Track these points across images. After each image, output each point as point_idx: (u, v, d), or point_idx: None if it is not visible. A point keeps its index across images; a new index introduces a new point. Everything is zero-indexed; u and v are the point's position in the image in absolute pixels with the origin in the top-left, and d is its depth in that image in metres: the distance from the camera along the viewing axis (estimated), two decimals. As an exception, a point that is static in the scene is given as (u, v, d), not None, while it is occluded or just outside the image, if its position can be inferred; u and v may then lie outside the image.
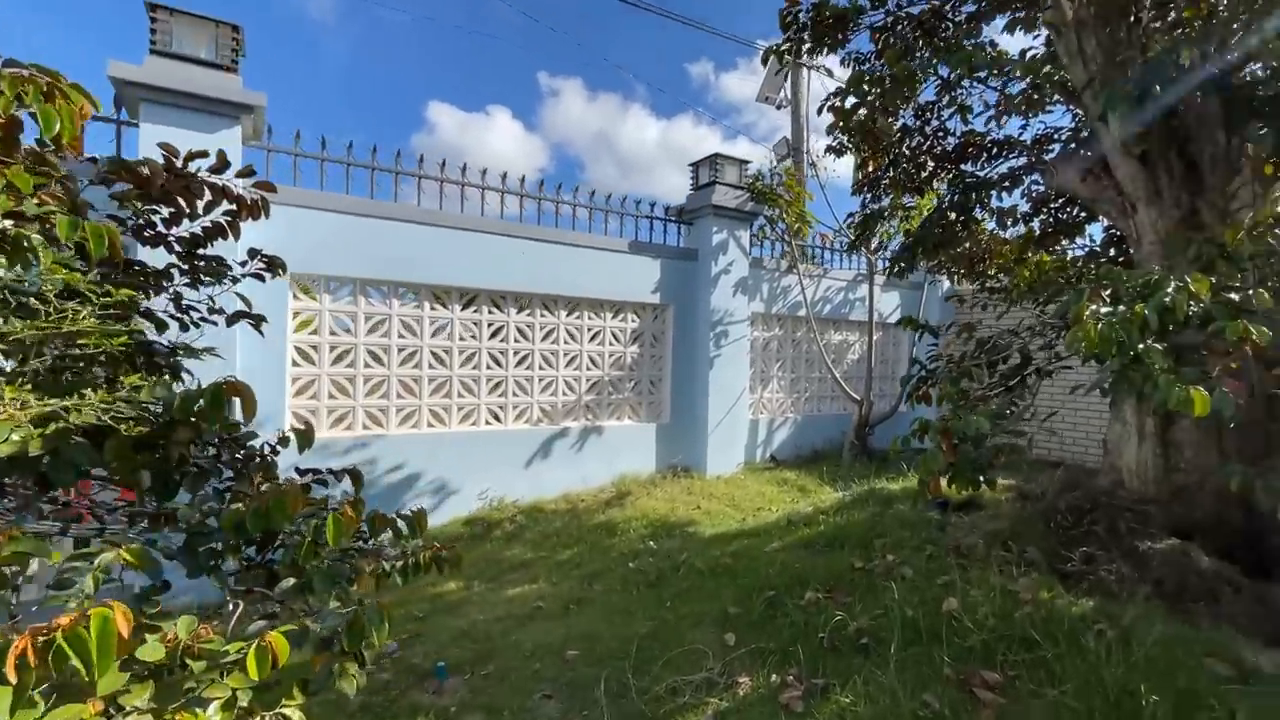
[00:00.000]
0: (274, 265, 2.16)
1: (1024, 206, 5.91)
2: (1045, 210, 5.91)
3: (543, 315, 6.55)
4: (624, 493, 6.40)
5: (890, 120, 5.04)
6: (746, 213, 7.45)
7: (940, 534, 4.09)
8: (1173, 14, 4.10)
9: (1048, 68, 4.35)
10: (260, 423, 2.00)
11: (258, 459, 1.76)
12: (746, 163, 7.59)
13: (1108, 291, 2.96)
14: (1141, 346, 2.45)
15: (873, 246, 7.36)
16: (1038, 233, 6.03)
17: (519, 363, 6.41)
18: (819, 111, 5.04)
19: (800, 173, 9.19)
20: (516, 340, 6.39)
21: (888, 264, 9.77)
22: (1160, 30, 4.18)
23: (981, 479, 2.94)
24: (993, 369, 3.86)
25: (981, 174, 5.26)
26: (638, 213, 7.19)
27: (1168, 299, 2.50)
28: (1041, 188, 5.61)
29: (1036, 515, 3.89)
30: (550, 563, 4.82)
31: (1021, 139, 5.48)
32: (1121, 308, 2.57)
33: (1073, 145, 5.14)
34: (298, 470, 1.87)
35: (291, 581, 1.46)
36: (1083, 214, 5.73)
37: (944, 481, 2.90)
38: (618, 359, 7.01)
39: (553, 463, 6.43)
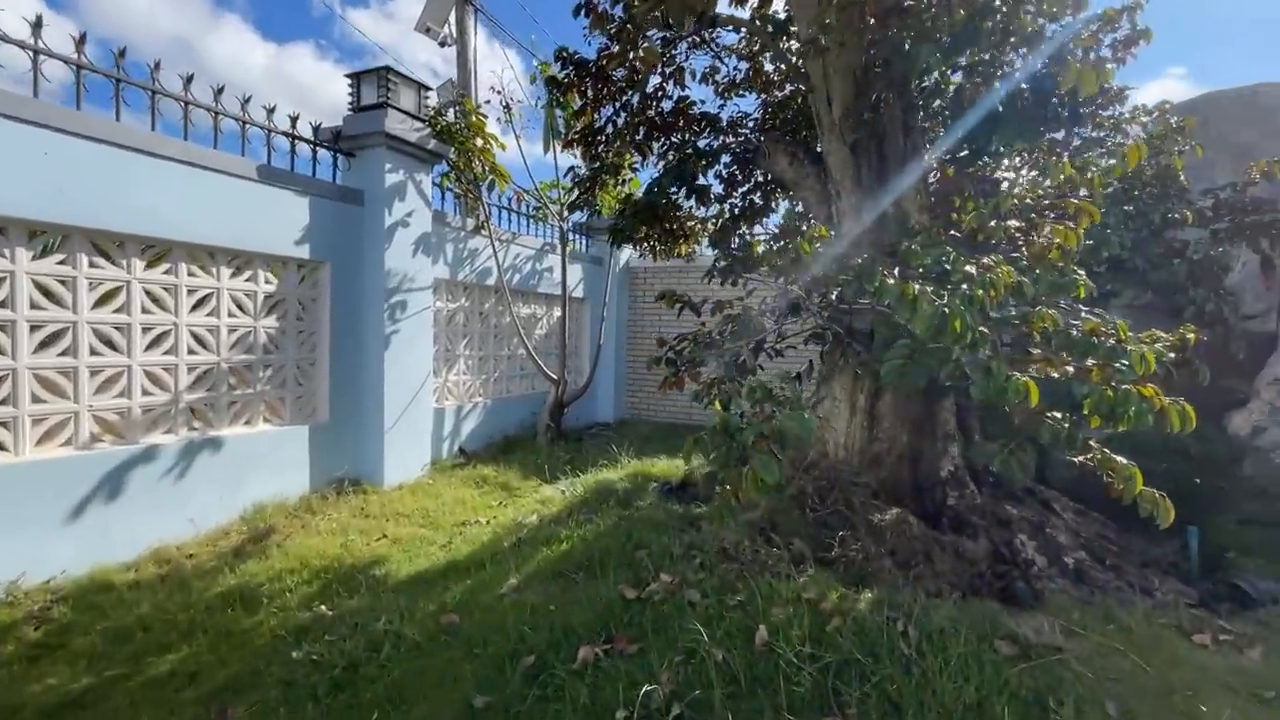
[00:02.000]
0: None
1: (718, 187, 6.03)
2: (734, 193, 6.15)
3: (94, 265, 3.97)
4: (264, 532, 4.42)
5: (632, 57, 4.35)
6: (430, 152, 5.95)
7: (697, 533, 3.68)
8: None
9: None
10: None
11: None
12: (427, 89, 6.05)
13: (895, 269, 2.85)
14: (981, 331, 2.27)
15: (594, 208, 6.71)
16: (727, 215, 6.26)
17: (42, 345, 3.76)
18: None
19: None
20: (35, 307, 3.72)
21: (582, 232, 9.40)
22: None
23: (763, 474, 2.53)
24: (757, 351, 3.57)
25: (704, 146, 5.04)
26: (269, 125, 5.00)
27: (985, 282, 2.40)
28: (735, 170, 5.76)
29: (789, 500, 3.79)
30: (135, 687, 2.81)
31: (744, 115, 5.47)
32: (960, 289, 2.37)
33: (776, 127, 5.34)
34: None
35: None
36: (761, 200, 6.13)
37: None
38: (243, 337, 4.81)
39: (129, 504, 4.01)
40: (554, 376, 7.43)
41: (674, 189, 4.66)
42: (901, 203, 4.36)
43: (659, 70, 4.88)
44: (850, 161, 4.22)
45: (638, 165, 5.16)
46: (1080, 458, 2.57)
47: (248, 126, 4.82)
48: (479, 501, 5.36)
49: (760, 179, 5.92)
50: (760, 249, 6.29)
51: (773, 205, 6.13)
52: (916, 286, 2.37)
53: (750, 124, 5.55)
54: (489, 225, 6.93)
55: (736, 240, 6.24)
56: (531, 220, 8.26)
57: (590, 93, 4.72)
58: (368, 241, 5.58)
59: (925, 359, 2.58)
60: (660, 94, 5.04)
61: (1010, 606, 3.10)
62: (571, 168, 5.63)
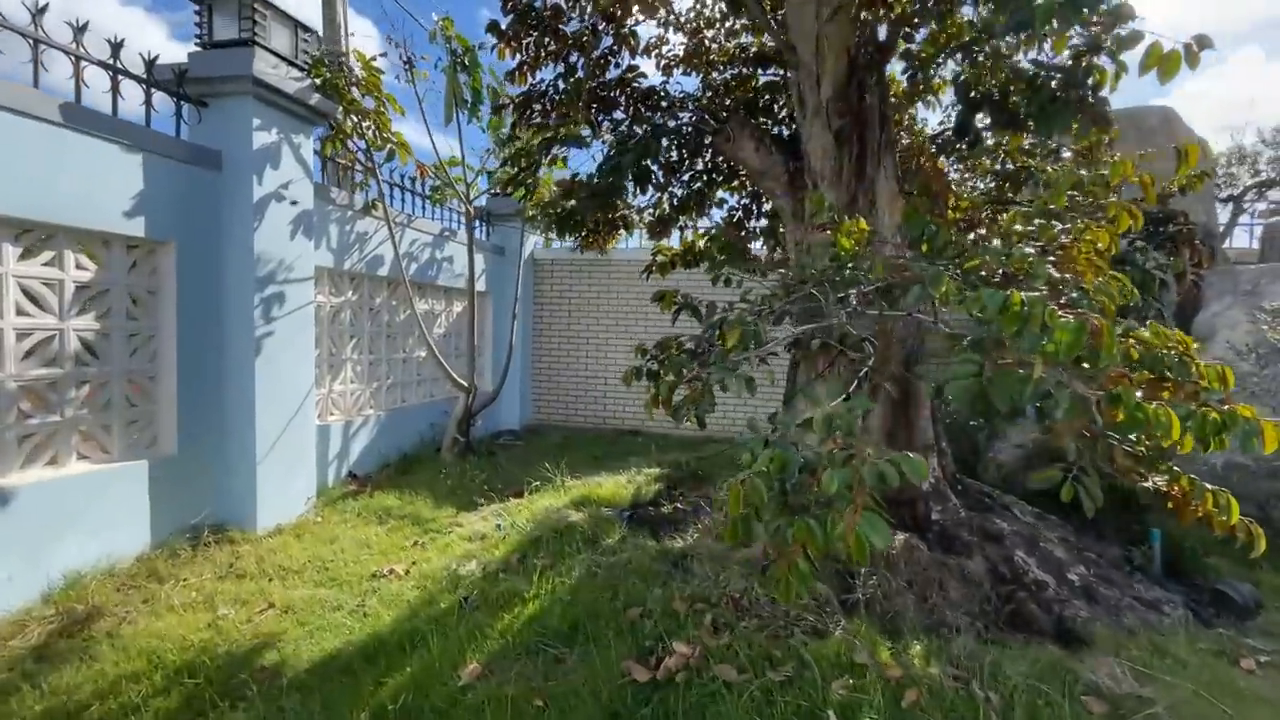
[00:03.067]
0: None
1: (658, 173, 5.46)
2: (674, 180, 5.61)
3: None
4: (83, 617, 3.17)
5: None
6: (312, 110, 4.76)
7: (691, 579, 3.10)
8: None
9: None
10: None
11: None
12: (307, 29, 4.84)
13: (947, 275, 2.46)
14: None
15: (532, 190, 5.74)
16: (667, 204, 5.72)
17: None
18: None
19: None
20: None
21: (482, 218, 8.35)
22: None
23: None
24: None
25: (659, 123, 4.43)
26: (75, 49, 3.63)
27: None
28: (678, 155, 5.23)
29: None
30: None
31: (687, 95, 4.91)
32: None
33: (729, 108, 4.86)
34: None
35: None
36: (704, 188, 5.65)
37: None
38: (42, 345, 3.46)
39: None
40: (463, 383, 6.44)
41: (632, 171, 4.01)
42: (877, 199, 4.07)
43: (611, 30, 4.20)
44: (834, 150, 3.84)
45: (583, 142, 4.42)
46: (1154, 483, 2.34)
47: (41, 48, 3.44)
48: (388, 543, 4.37)
49: (703, 166, 5.45)
50: (702, 242, 5.85)
51: (712, 196, 5.69)
52: (1024, 295, 1.97)
53: (692, 105, 5.04)
54: (384, 204, 5.80)
55: (677, 232, 5.72)
56: (428, 202, 7.16)
57: (533, 49, 3.93)
58: (230, 218, 4.32)
59: (1007, 380, 2.20)
60: (606, 61, 4.36)
61: (1034, 636, 2.87)
62: (512, 137, 4.73)
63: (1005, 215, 3.72)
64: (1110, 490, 2.19)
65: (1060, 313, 1.90)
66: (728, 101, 4.70)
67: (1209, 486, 2.23)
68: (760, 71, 5.15)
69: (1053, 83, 2.78)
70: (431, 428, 7.01)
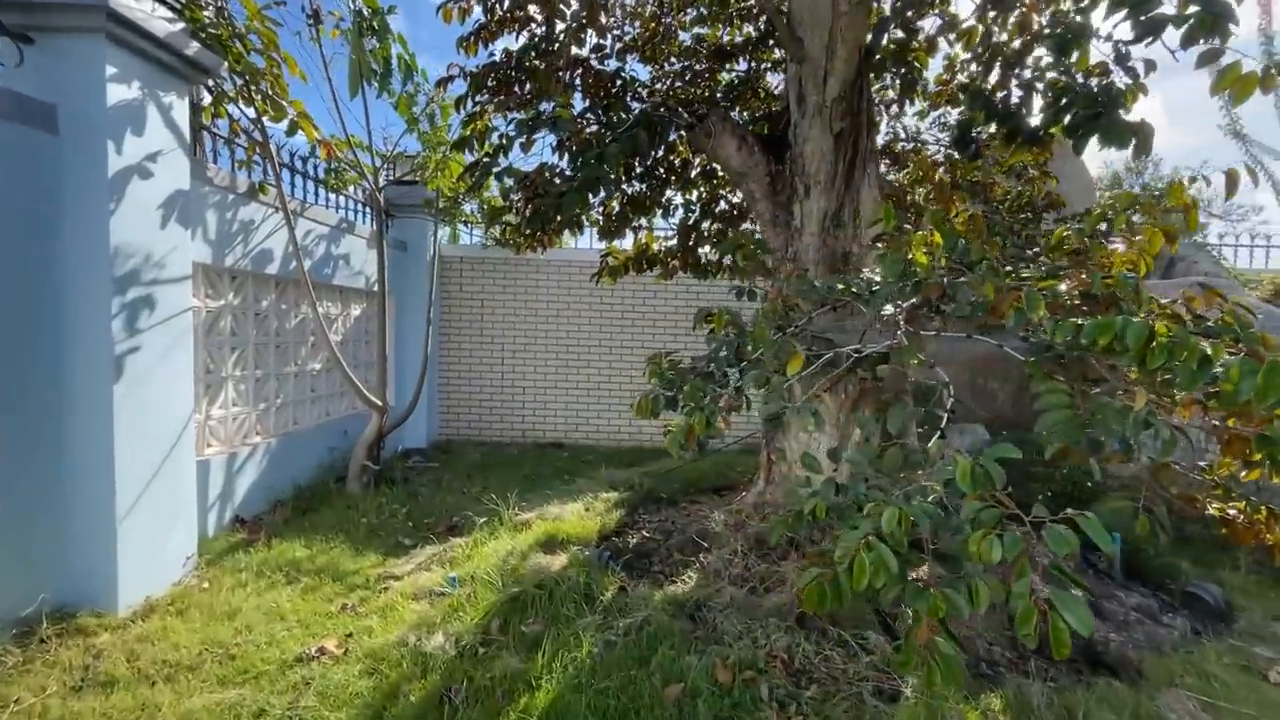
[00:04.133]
0: None
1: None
2: (629, 176, 5.15)
3: None
4: None
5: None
6: (189, 61, 3.71)
7: (719, 637, 2.69)
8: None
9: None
10: None
11: None
12: (179, -41, 3.78)
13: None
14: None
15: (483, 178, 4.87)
16: (617, 205, 5.25)
17: None
18: None
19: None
20: None
21: (381, 209, 7.30)
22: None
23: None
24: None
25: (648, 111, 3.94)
26: None
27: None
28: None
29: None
30: None
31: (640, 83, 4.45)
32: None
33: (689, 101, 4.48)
34: None
35: None
36: (655, 187, 5.25)
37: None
38: None
39: None
40: (376, 400, 5.51)
41: (619, 163, 3.50)
42: (860, 207, 3.92)
43: None
44: (831, 154, 3.61)
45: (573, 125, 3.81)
46: (1217, 510, 2.30)
47: None
48: (307, 609, 3.50)
49: (651, 162, 5.05)
50: (655, 245, 5.44)
51: (661, 195, 5.30)
52: (1167, 326, 1.79)
53: (661, 95, 4.63)
54: (279, 188, 4.76)
55: (631, 233, 5.28)
56: (324, 188, 6.10)
57: (499, 8, 3.29)
58: (74, 197, 3.22)
59: (1106, 412, 2.03)
60: (582, 28, 3.81)
61: (1067, 665, 2.81)
62: (473, 117, 3.94)
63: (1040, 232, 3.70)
64: (1056, 492, 2.08)
65: (1227, 348, 1.74)
66: (704, 94, 4.33)
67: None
68: (722, 67, 4.85)
69: (1083, 97, 2.72)
70: (331, 453, 5.97)
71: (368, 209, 7.17)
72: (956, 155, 4.06)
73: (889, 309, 2.58)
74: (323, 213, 5.93)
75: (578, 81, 4.32)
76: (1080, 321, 1.94)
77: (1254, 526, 2.25)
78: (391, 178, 7.11)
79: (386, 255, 6.71)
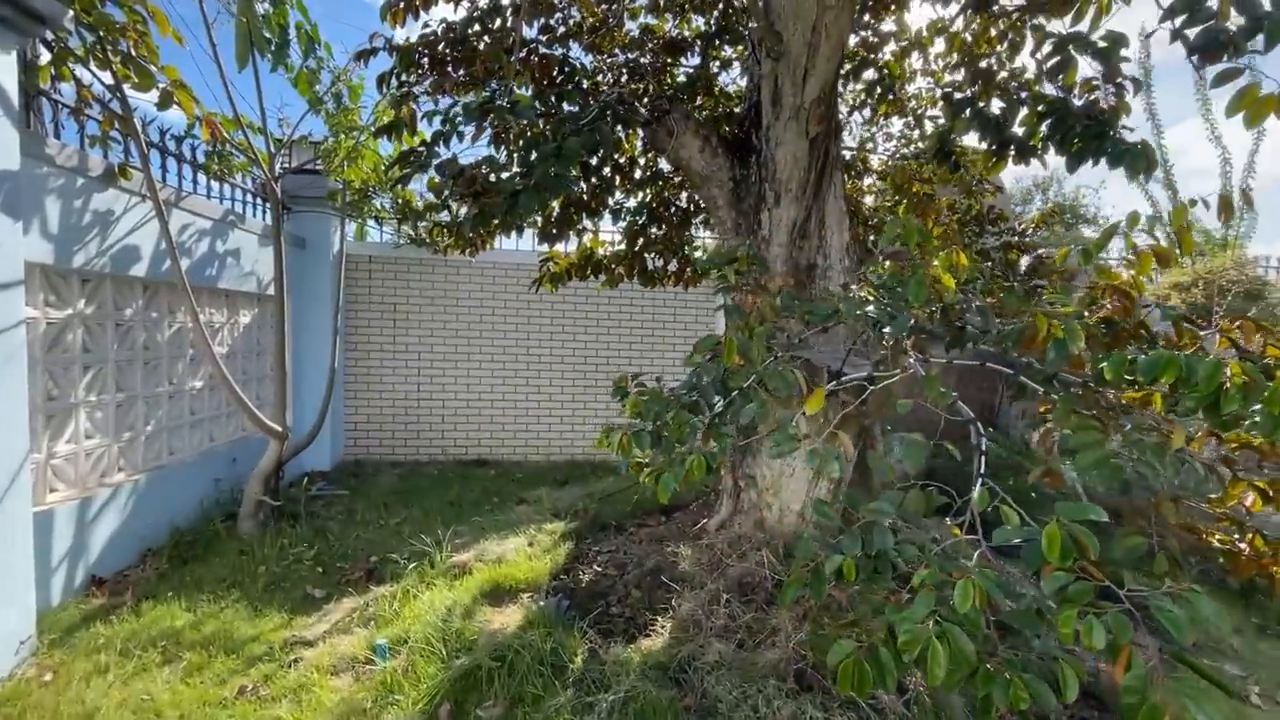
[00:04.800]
0: None
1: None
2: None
3: None
4: None
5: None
6: (19, 6, 2.88)
7: (716, 709, 2.35)
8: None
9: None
10: None
11: None
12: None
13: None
14: None
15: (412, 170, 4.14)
16: (558, 206, 4.79)
17: None
18: None
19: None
20: None
21: (269, 199, 6.39)
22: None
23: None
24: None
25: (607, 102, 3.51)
26: None
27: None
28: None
29: (812, 614, 2.72)
30: None
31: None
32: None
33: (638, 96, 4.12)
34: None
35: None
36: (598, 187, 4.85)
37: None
38: None
39: None
40: (276, 426, 4.72)
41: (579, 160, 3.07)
42: (826, 217, 3.73)
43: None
44: (805, 160, 3.38)
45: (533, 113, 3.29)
46: (1220, 539, 2.24)
47: None
48: (190, 699, 2.81)
49: (597, 162, 4.65)
50: (600, 250, 5.04)
51: (610, 195, 4.91)
52: (1241, 364, 1.63)
53: (616, 88, 4.24)
54: (147, 171, 3.91)
55: (575, 237, 4.85)
56: (206, 175, 5.20)
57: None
58: None
59: (1148, 450, 1.88)
60: (526, 7, 3.33)
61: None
62: (403, 98, 3.29)
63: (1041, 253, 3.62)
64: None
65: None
66: (652, 90, 3.98)
67: (1290, 546, 2.18)
68: (673, 62, 4.53)
69: (1082, 115, 2.62)
70: (216, 486, 5.09)
71: (260, 201, 6.25)
72: (925, 166, 3.97)
73: (887, 331, 2.35)
74: (204, 204, 5.02)
75: (521, 67, 3.84)
76: (1134, 357, 1.77)
77: (1259, 559, 2.21)
78: (287, 166, 6.22)
79: (258, 257, 5.85)
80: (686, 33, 4.65)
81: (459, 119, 2.70)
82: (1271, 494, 2.07)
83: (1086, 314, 2.15)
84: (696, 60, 4.56)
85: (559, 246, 4.73)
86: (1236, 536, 2.25)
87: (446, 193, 3.40)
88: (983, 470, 1.94)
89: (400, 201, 6.64)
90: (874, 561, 1.95)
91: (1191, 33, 2.01)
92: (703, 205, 5.08)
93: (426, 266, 7.52)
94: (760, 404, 2.33)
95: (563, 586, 3.69)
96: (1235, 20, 2.06)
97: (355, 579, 4.13)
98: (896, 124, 4.71)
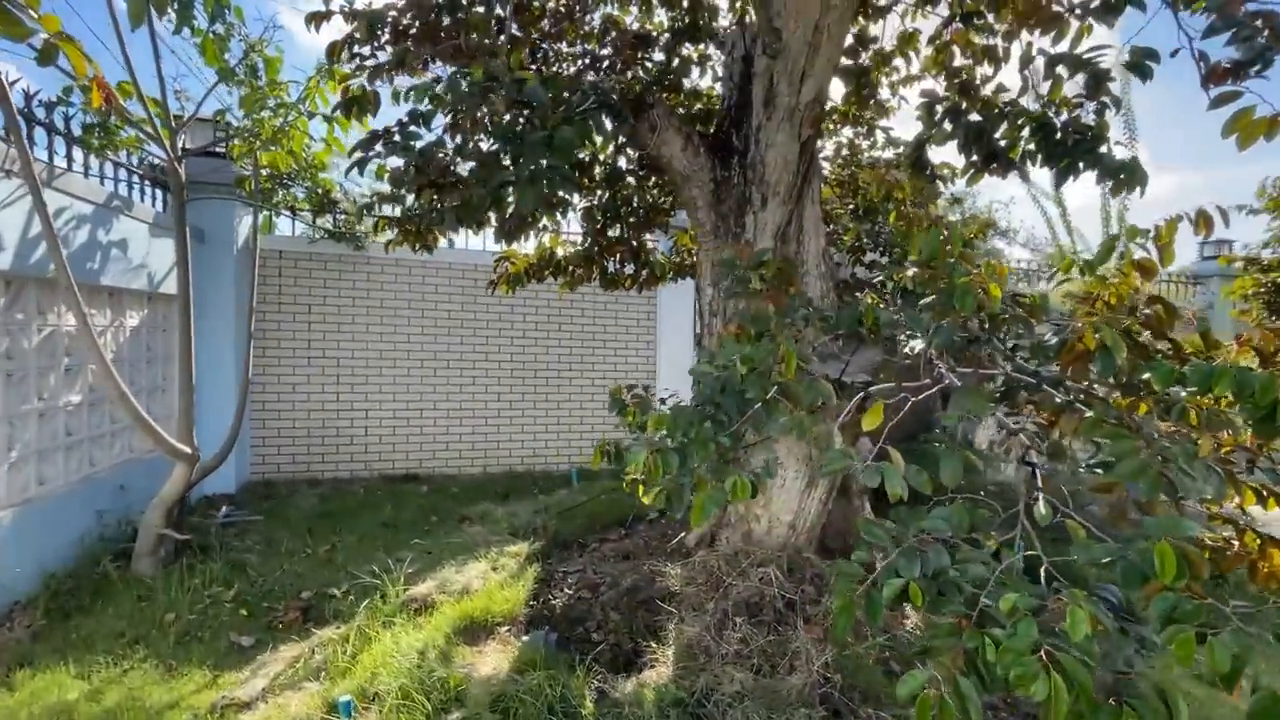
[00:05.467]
0: None
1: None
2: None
3: None
4: None
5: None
6: None
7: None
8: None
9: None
10: None
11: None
12: None
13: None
14: None
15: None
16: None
17: None
18: None
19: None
20: None
21: (161, 184, 5.57)
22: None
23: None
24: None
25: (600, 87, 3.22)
26: None
27: None
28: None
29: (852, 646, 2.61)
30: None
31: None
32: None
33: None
34: None
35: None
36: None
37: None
38: None
39: None
40: (184, 447, 4.03)
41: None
42: (804, 223, 3.71)
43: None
44: (795, 162, 3.31)
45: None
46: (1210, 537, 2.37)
47: None
48: (102, 791, 2.28)
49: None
50: (561, 249, 4.77)
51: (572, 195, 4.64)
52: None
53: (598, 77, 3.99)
54: (21, 141, 3.18)
55: (534, 236, 4.54)
56: (84, 150, 4.40)
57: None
58: None
59: (1182, 458, 1.93)
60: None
61: None
62: (364, 66, 2.78)
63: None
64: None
65: None
66: (636, 85, 3.77)
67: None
68: (636, 58, 4.34)
69: (1061, 126, 2.72)
70: (100, 519, 4.29)
71: (152, 185, 5.40)
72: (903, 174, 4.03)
73: (918, 344, 2.30)
74: (82, 184, 4.23)
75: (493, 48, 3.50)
76: (1182, 369, 1.80)
77: (1248, 555, 2.35)
78: (186, 147, 5.42)
79: (169, 247, 5.08)
80: (650, 27, 4.49)
81: (449, 97, 2.36)
82: (1265, 494, 2.20)
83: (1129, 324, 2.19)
84: (660, 57, 4.40)
85: (515, 245, 4.39)
86: (1229, 536, 2.38)
87: (407, 183, 3.02)
88: (1038, 486, 1.90)
89: (321, 191, 5.98)
90: (933, 583, 1.87)
91: (1211, 53, 2.11)
92: (663, 206, 4.93)
93: (346, 264, 6.85)
94: (786, 416, 2.20)
95: (538, 615, 3.39)
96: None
97: (289, 620, 3.61)
98: (857, 133, 4.77)
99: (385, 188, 3.61)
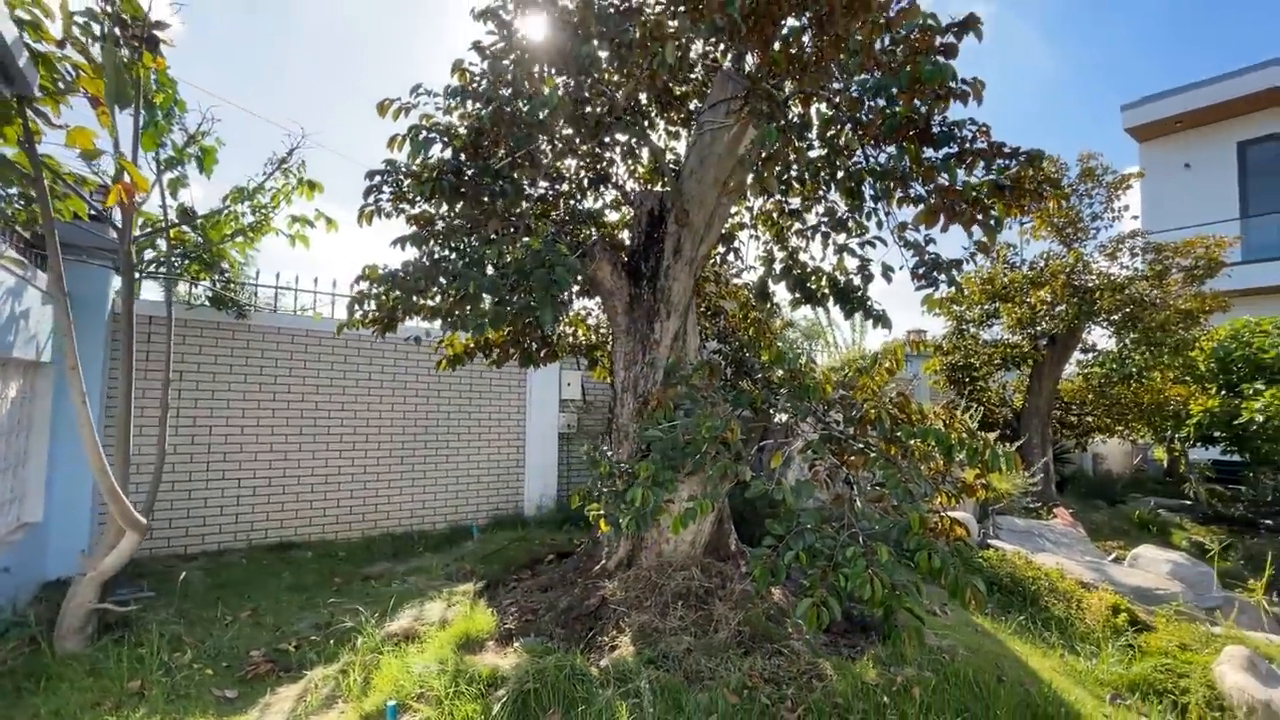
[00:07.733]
0: None
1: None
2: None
3: None
4: None
5: None
6: None
7: None
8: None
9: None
10: None
11: None
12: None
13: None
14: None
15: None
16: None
17: None
18: None
19: None
20: None
21: (27, 246, 5.37)
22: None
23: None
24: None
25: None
26: None
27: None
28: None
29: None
30: None
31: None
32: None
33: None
34: None
35: None
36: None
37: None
38: None
39: None
40: (141, 518, 4.08)
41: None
42: (688, 331, 5.30)
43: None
44: (688, 291, 4.87)
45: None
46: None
47: None
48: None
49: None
50: (492, 334, 5.71)
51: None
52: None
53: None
54: None
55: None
56: None
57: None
58: None
59: (914, 475, 3.72)
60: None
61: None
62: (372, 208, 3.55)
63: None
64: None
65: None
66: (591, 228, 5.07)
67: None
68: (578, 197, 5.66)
69: (847, 284, 4.66)
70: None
71: (25, 248, 5.16)
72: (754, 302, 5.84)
73: (783, 416, 3.91)
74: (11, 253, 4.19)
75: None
76: (912, 429, 3.59)
77: (945, 533, 4.27)
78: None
79: (47, 313, 4.99)
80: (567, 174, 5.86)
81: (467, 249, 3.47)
82: (950, 495, 4.14)
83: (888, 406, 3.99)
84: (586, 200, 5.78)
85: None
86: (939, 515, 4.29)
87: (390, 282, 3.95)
88: (854, 492, 3.54)
89: (216, 260, 6.11)
90: (808, 552, 3.36)
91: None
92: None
93: (221, 330, 6.84)
94: (724, 461, 3.60)
95: (509, 634, 4.24)
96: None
97: (263, 673, 3.94)
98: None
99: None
